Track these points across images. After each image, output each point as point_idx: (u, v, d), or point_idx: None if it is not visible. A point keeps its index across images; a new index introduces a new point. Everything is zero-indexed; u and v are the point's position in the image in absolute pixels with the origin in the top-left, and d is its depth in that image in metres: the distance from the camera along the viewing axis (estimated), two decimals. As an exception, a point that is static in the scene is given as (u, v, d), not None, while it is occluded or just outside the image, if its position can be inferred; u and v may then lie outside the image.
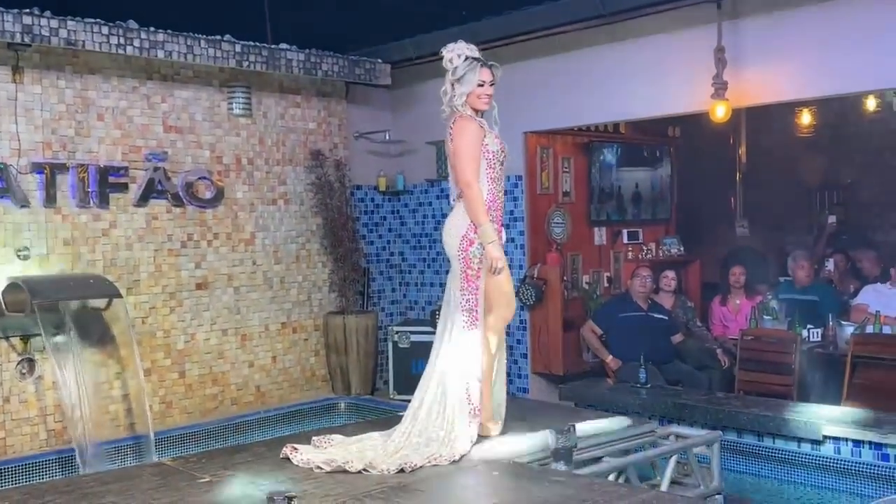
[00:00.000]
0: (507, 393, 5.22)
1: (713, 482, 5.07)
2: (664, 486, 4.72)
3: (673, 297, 8.04)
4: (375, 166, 8.75)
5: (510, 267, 5.02)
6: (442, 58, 4.79)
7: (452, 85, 4.75)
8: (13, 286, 6.03)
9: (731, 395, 6.90)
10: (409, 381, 7.78)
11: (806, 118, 9.79)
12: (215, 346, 7.39)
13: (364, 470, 4.34)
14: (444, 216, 8.34)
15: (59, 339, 6.13)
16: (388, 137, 8.60)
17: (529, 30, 7.09)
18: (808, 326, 7.33)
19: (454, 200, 4.87)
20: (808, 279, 7.97)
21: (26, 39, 6.02)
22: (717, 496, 5.03)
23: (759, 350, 7.17)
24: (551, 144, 8.17)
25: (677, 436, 5.27)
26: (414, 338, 7.90)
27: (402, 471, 4.32)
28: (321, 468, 4.38)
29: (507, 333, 5.38)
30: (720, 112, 6.30)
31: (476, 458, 4.53)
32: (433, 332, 7.58)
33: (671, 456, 4.88)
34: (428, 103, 8.42)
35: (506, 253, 4.84)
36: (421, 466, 4.39)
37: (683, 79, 6.58)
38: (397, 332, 8.01)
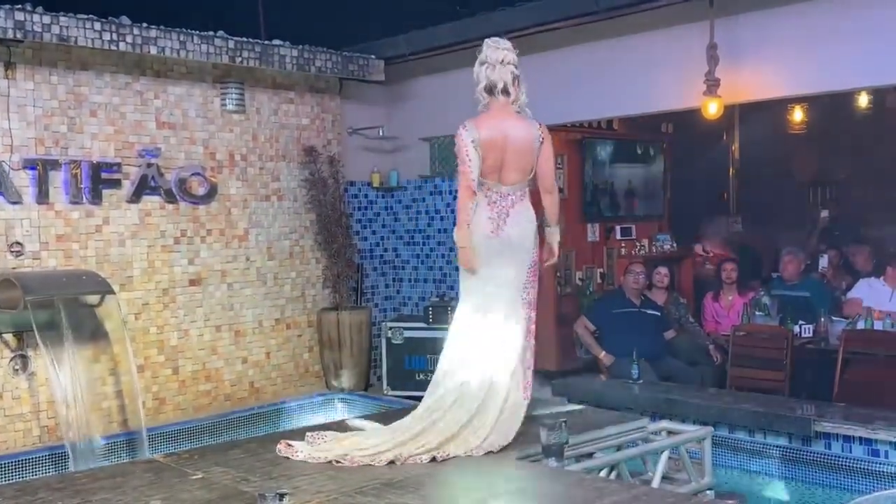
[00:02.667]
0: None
1: (704, 478, 5.08)
2: (655, 482, 4.73)
3: (666, 293, 8.06)
4: (369, 162, 8.74)
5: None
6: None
7: (519, 80, 4.77)
8: (6, 282, 6.02)
9: (722, 390, 6.94)
10: (402, 377, 7.82)
11: (798, 115, 9.82)
12: (209, 343, 7.39)
13: (358, 461, 4.34)
14: (438, 212, 8.51)
15: (52, 335, 6.12)
16: (381, 133, 8.59)
17: (523, 26, 7.07)
18: (800, 322, 7.35)
19: (522, 195, 4.81)
20: (797, 275, 7.99)
21: (18, 35, 6.00)
22: (708, 491, 5.04)
23: (750, 346, 7.17)
24: (545, 140, 8.15)
25: (669, 431, 5.29)
26: (407, 333, 7.90)
27: (392, 463, 4.34)
28: (316, 458, 4.39)
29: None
30: (712, 109, 6.32)
31: (468, 454, 4.54)
32: (427, 328, 7.73)
33: (663, 451, 4.89)
34: (422, 99, 8.47)
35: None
36: (412, 460, 4.40)
37: (676, 75, 6.59)
38: (391, 328, 8.01)
